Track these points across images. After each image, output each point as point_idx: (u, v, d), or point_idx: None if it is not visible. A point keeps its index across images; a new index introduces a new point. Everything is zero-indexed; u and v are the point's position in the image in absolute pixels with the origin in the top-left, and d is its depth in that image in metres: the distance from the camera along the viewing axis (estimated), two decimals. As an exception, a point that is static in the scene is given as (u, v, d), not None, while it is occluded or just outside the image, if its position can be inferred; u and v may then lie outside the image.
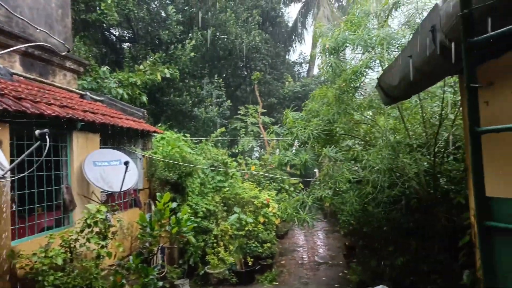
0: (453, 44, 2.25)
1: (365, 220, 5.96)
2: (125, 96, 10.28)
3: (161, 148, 7.56)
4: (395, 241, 5.20)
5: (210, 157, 8.94)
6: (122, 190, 5.76)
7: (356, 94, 5.71)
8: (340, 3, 21.35)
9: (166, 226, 5.89)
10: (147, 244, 6.37)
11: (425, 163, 4.80)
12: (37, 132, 3.66)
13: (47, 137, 3.64)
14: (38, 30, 6.82)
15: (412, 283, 4.72)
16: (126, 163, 5.72)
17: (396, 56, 4.71)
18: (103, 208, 4.78)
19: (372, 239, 6.06)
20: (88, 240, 4.62)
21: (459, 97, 4.17)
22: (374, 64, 5.01)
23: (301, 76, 21.30)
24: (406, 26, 4.75)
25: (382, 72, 4.07)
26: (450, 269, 4.00)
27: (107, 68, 10.57)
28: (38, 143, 3.69)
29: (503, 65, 2.51)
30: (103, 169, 5.84)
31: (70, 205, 5.38)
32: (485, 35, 1.03)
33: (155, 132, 7.92)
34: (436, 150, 4.73)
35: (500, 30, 1.01)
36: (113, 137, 6.80)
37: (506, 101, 2.52)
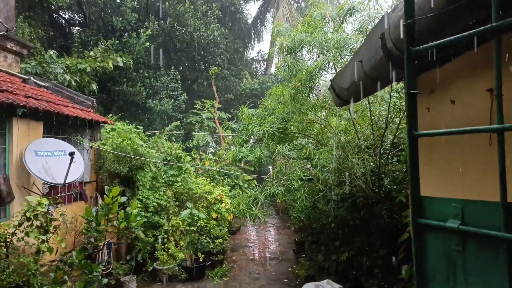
0: (399, 52, 2.40)
1: (315, 217, 6.17)
2: (73, 83, 9.71)
3: (111, 139, 7.24)
4: (342, 237, 5.45)
5: (163, 150, 8.72)
6: (66, 182, 5.45)
7: (311, 94, 5.86)
8: (298, 4, 21.75)
9: (113, 221, 5.67)
10: (92, 240, 6.10)
11: (372, 164, 5.07)
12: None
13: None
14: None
15: (355, 277, 4.97)
16: (71, 154, 5.42)
17: (348, 60, 4.91)
18: (45, 201, 4.50)
19: (320, 235, 6.29)
20: (27, 234, 4.33)
21: (404, 103, 4.45)
22: (328, 66, 5.18)
23: (259, 73, 21.44)
24: (359, 32, 4.95)
25: (335, 74, 4.22)
26: (390, 264, 4.26)
27: (54, 52, 9.90)
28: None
29: (443, 74, 2.73)
30: (46, 159, 5.49)
31: (8, 197, 5.00)
32: (425, 45, 1.11)
33: (104, 122, 7.58)
34: (381, 151, 5.01)
35: (439, 41, 1.09)
36: (58, 126, 6.41)
37: (445, 108, 2.74)
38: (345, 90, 3.67)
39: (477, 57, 1.91)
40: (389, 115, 4.89)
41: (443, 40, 1.08)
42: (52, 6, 12.80)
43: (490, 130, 0.90)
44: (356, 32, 5.03)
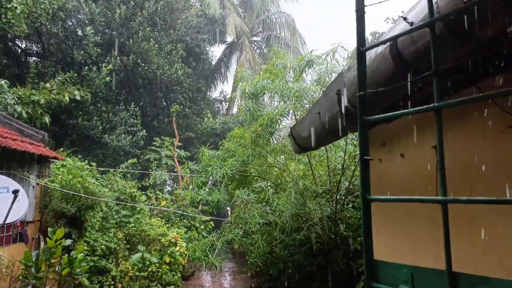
0: (353, 108, 2.57)
1: (272, 262, 6.07)
2: (24, 114, 9.23)
3: (60, 176, 6.83)
4: (299, 282, 5.38)
5: (117, 189, 8.35)
6: (7, 223, 5.00)
7: (271, 138, 6.00)
8: (261, 50, 22.72)
9: (56, 266, 5.22)
10: (29, 287, 5.54)
11: (328, 209, 5.17)
12: None
13: None
14: None
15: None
16: (15, 192, 5.03)
17: (307, 108, 5.14)
18: (-22, 245, 4.07)
19: (277, 281, 6.18)
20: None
21: (358, 152, 4.69)
22: (288, 113, 5.37)
23: (221, 113, 21.66)
24: (317, 83, 5.24)
25: (295, 123, 4.38)
26: (345, 312, 4.25)
27: (5, 82, 9.43)
28: None
29: (393, 128, 2.94)
30: (-15, 197, 5.04)
31: None
32: (377, 117, 1.20)
33: (55, 158, 7.18)
34: (338, 197, 5.15)
35: (388, 114, 1.19)
36: (4, 160, 5.98)
37: (395, 160, 2.92)
38: (304, 139, 3.82)
39: (424, 114, 2.09)
40: (345, 162, 5.09)
41: (391, 113, 1.18)
42: (8, 35, 12.37)
43: (435, 201, 0.97)
44: (315, 83, 5.31)
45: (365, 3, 1.29)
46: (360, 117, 1.19)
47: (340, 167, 5.46)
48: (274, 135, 6.44)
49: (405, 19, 1.80)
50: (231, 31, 19.13)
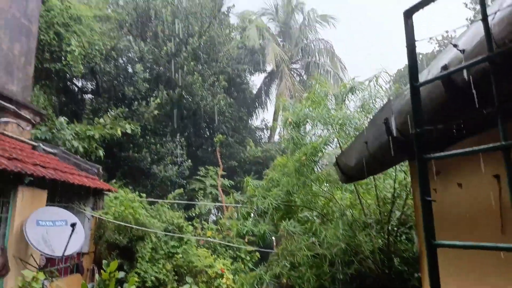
0: (403, 137, 2.48)
1: (321, 297, 5.81)
2: (81, 149, 9.91)
3: (113, 208, 7.16)
4: (350, 320, 5.08)
5: (165, 219, 8.57)
6: (65, 255, 5.28)
7: (315, 167, 5.90)
8: (300, 77, 22.90)
9: (109, 297, 5.37)
10: (84, 317, 5.73)
11: (380, 241, 4.91)
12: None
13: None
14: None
15: None
16: (73, 225, 5.33)
17: (353, 137, 5.02)
18: (41, 276, 4.33)
19: (327, 317, 5.88)
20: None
21: (410, 179, 4.45)
22: (333, 142, 5.29)
23: (263, 141, 21.85)
24: (361, 109, 5.13)
25: (340, 152, 4.29)
26: None
27: (64, 119, 10.25)
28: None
29: (447, 160, 2.77)
30: (47, 229, 5.39)
31: (3, 270, 4.80)
32: (438, 155, 1.14)
33: (108, 190, 7.57)
34: (389, 228, 4.88)
35: (450, 153, 1.12)
36: (63, 193, 6.40)
37: (452, 190, 2.73)
38: (351, 168, 3.71)
39: (484, 141, 1.96)
40: (395, 191, 4.86)
41: (453, 152, 1.12)
42: (67, 75, 13.54)
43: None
44: (359, 109, 5.21)
45: (416, 38, 1.26)
46: (419, 155, 1.14)
47: (389, 196, 5.22)
48: (318, 163, 6.33)
49: (455, 46, 1.74)
50: (271, 60, 19.55)
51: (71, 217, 5.82)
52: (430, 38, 17.81)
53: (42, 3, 8.96)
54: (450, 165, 2.84)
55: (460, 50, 1.55)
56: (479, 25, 1.17)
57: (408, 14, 1.18)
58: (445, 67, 1.63)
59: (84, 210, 6.79)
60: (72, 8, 11.15)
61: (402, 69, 25.73)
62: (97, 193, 7.42)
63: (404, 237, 5.00)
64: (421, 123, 1.19)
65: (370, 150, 3.14)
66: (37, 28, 8.01)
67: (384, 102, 5.04)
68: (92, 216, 6.97)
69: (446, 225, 2.63)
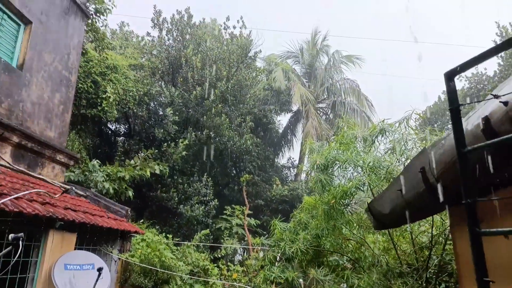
0: (442, 186, 2.34)
1: None
2: (111, 190, 10.13)
3: (139, 250, 7.13)
4: None
5: (190, 261, 8.42)
6: (91, 300, 5.22)
7: (345, 210, 5.70)
8: (327, 116, 22.93)
9: None
10: None
11: (418, 292, 4.56)
12: (11, 236, 3.43)
13: (20, 242, 3.40)
14: (35, 123, 7.00)
15: None
16: (99, 270, 5.30)
17: (384, 179, 4.85)
18: (65, 324, 4.26)
19: None
20: None
21: (448, 224, 4.19)
22: (364, 185, 5.12)
23: (289, 179, 21.62)
24: (391, 152, 4.99)
25: (373, 199, 4.13)
26: None
27: (97, 162, 10.61)
28: (9, 248, 3.43)
29: (491, 204, 2.58)
30: (74, 273, 5.39)
31: (28, 316, 4.80)
32: (494, 230, 1.05)
33: (136, 232, 7.58)
34: (428, 276, 4.55)
35: (507, 230, 1.02)
36: (91, 236, 6.45)
37: (497, 240, 2.52)
38: (385, 216, 3.54)
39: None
40: (433, 237, 4.58)
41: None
42: (102, 119, 14.20)
43: None
44: (389, 152, 5.07)
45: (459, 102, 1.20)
46: (471, 228, 1.04)
47: (426, 241, 4.92)
48: (348, 207, 6.12)
49: (496, 96, 1.66)
50: (297, 100, 19.78)
51: (98, 261, 5.82)
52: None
53: (82, 55, 9.61)
54: (494, 214, 2.64)
55: (503, 102, 1.48)
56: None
57: (450, 76, 1.14)
58: (486, 119, 1.55)
59: (111, 252, 6.79)
60: (109, 58, 11.89)
61: (432, 106, 25.30)
62: (125, 235, 7.45)
63: (443, 285, 4.63)
64: (472, 193, 1.10)
65: (406, 198, 2.99)
66: (76, 78, 8.54)
67: (416, 144, 4.90)
68: (119, 258, 6.95)
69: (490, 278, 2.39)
